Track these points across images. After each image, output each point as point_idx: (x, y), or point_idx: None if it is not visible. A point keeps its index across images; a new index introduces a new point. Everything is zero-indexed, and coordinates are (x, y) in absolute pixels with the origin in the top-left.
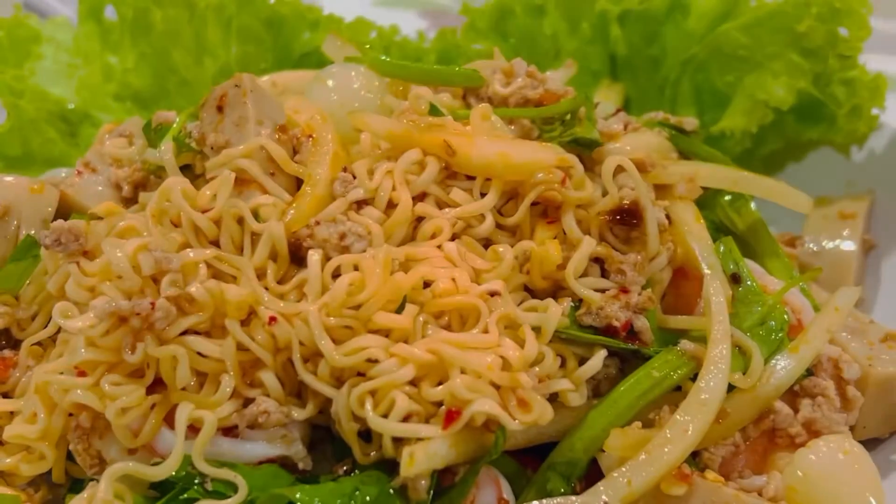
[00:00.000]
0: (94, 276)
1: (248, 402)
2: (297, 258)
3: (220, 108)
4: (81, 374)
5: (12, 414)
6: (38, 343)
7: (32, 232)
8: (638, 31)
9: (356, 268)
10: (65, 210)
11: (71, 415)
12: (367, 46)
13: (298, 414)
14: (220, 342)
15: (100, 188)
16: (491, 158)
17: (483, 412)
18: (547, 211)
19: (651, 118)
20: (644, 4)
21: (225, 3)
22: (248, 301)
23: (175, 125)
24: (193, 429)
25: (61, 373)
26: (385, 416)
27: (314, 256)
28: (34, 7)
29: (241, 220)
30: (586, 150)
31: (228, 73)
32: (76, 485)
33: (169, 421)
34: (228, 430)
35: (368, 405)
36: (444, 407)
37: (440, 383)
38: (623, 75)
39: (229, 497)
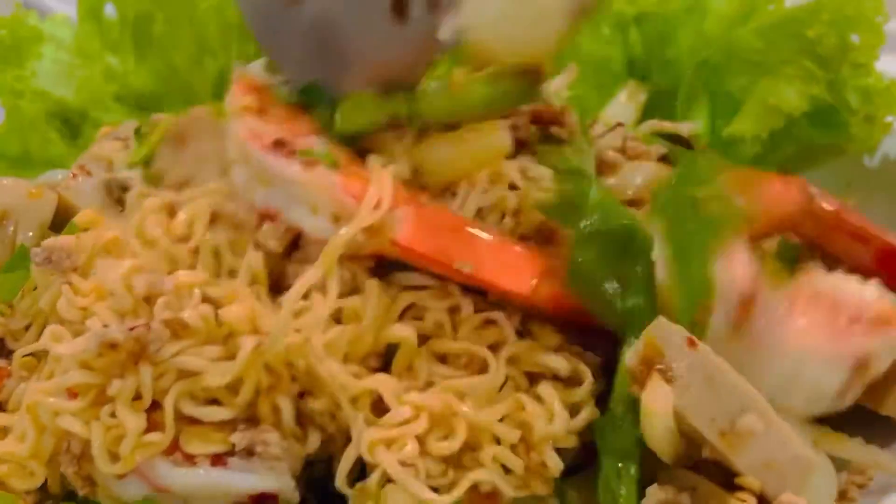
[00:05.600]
0: (87, 296)
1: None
2: (278, 288)
3: (179, 143)
4: (73, 396)
5: (5, 427)
6: (32, 353)
7: (30, 234)
8: (654, 32)
9: None
10: (62, 214)
11: None
12: None
13: (298, 449)
14: (227, 364)
15: (94, 192)
16: (453, 155)
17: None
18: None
19: (647, 128)
20: (661, 6)
21: (225, 3)
22: (248, 320)
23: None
24: (188, 456)
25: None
26: None
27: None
28: (33, 5)
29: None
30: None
31: (228, 73)
32: (71, 494)
33: (166, 451)
34: (218, 459)
35: (383, 453)
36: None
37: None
38: (638, 77)
39: None
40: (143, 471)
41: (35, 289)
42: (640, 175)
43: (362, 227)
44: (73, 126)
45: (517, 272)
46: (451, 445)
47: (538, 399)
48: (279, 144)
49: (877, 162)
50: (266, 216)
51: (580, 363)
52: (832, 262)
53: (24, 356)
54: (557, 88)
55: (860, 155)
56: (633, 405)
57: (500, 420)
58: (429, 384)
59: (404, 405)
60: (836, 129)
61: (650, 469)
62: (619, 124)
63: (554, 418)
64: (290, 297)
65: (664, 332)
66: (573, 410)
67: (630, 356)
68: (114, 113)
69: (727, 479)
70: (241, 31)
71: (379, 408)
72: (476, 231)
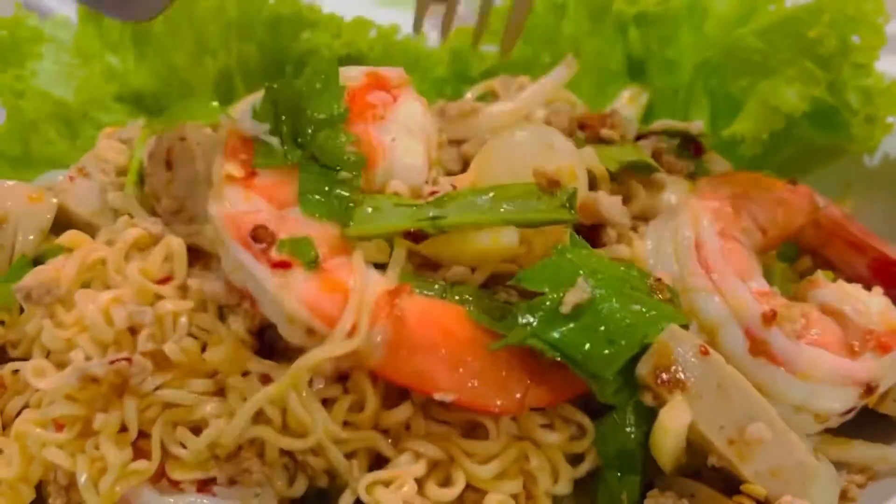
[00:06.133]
0: (70, 328)
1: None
2: (268, 347)
3: (168, 165)
4: (60, 427)
5: None
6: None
7: (31, 238)
8: (655, 33)
9: None
10: (62, 218)
11: None
12: None
13: (281, 487)
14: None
15: (91, 195)
16: (459, 251)
17: None
18: None
19: (657, 126)
20: (661, 6)
21: (225, 3)
22: (234, 361)
23: (132, 164)
24: (174, 482)
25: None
26: None
27: None
28: (33, 5)
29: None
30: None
31: (228, 73)
32: None
33: (151, 479)
34: (203, 485)
35: (382, 492)
36: None
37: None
38: (639, 78)
39: None
40: (130, 499)
41: None
42: (674, 195)
43: (331, 356)
44: (73, 126)
45: (502, 389)
46: (451, 493)
47: (540, 444)
48: (258, 235)
49: (877, 162)
50: (246, 295)
51: (583, 417)
52: (829, 267)
53: (13, 372)
54: (556, 81)
55: (860, 155)
56: (638, 411)
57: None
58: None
59: (404, 452)
60: (836, 129)
61: (648, 474)
62: (654, 133)
63: (559, 479)
64: (245, 410)
65: (677, 340)
66: (574, 458)
67: (642, 363)
68: (114, 113)
69: (726, 484)
70: (240, 30)
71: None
72: (461, 343)
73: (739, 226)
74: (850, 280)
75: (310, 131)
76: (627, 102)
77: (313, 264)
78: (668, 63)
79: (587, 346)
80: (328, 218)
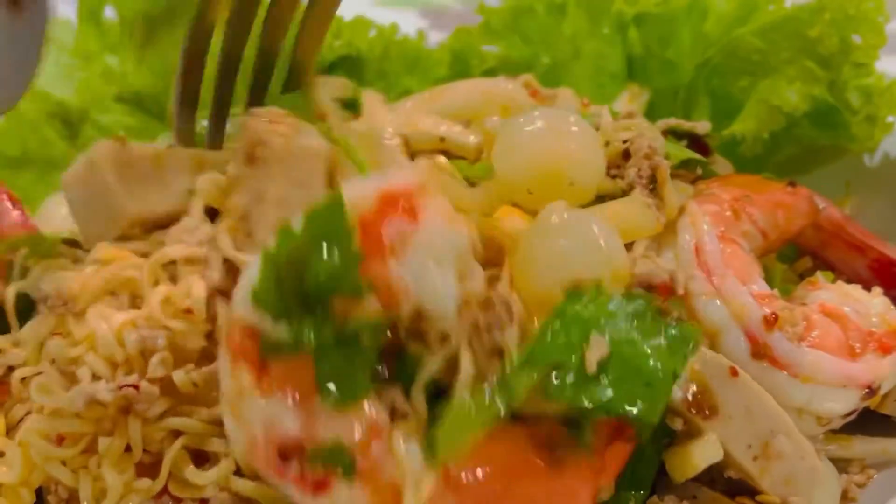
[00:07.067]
0: (79, 345)
1: None
2: None
3: (249, 162)
4: (61, 439)
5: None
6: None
7: None
8: (654, 33)
9: None
10: None
11: None
12: None
13: None
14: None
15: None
16: None
17: None
18: None
19: (662, 124)
20: (662, 6)
21: (223, 3)
22: None
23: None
24: (176, 500)
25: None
26: None
27: None
28: None
29: None
30: None
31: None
32: None
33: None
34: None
35: None
36: None
37: None
38: (639, 78)
39: None
40: None
41: None
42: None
43: None
44: (72, 126)
45: (574, 497)
46: None
47: None
48: (286, 454)
49: (877, 162)
50: None
51: None
52: (829, 268)
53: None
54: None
55: (860, 155)
56: (658, 427)
57: None
58: None
59: None
60: (836, 129)
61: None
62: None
63: None
64: None
65: (708, 364)
66: None
67: (675, 391)
68: (113, 114)
69: (727, 485)
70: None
71: None
72: (521, 475)
73: (740, 229)
74: (850, 281)
75: (321, 300)
76: (628, 102)
77: (351, 470)
78: (668, 63)
79: (627, 397)
80: (353, 401)
